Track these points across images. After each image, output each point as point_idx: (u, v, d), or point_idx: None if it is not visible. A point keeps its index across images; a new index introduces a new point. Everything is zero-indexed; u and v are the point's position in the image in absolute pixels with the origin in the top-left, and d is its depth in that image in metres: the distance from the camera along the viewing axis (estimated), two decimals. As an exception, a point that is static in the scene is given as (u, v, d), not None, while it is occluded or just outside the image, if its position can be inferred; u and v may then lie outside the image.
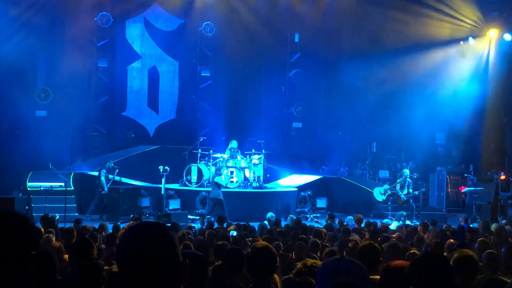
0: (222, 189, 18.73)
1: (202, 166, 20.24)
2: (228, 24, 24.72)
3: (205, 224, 16.41)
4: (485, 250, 7.91)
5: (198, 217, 17.75)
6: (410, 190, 19.58)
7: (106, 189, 18.72)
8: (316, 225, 16.44)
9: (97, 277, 4.93)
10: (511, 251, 7.49)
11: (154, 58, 24.97)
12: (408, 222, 17.38)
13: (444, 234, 11.00)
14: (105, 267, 6.10)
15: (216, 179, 18.72)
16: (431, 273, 3.07)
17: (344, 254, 7.17)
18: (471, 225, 13.99)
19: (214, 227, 12.40)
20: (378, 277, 4.82)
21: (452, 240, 9.49)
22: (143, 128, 24.83)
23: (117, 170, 19.02)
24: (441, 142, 25.97)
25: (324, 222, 15.42)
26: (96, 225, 12.34)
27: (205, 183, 19.99)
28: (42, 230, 9.45)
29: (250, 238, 9.73)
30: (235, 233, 10.65)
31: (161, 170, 18.59)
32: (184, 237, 9.45)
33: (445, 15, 23.83)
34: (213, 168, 20.13)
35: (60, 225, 13.17)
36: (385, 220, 16.69)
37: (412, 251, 7.95)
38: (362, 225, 13.34)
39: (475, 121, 24.35)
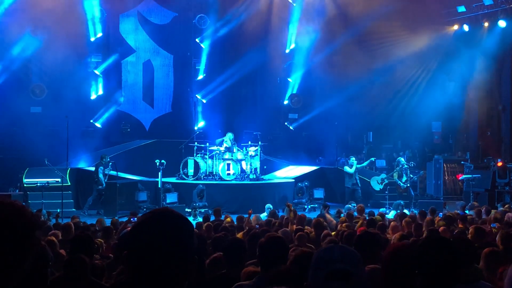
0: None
1: (198, 159, 20.21)
2: (222, 16, 24.63)
3: (198, 217, 16.49)
4: (481, 239, 7.90)
5: (190, 210, 17.81)
6: (409, 175, 19.61)
7: (104, 185, 18.67)
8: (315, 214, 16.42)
9: (82, 270, 4.92)
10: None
11: (148, 52, 24.87)
12: (406, 211, 17.35)
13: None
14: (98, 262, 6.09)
15: (345, 168, 19.99)
16: (436, 256, 3.05)
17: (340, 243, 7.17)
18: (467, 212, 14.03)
19: (211, 219, 12.40)
20: (376, 266, 4.80)
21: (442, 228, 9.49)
22: (138, 122, 24.75)
23: (110, 163, 18.92)
24: (438, 131, 25.93)
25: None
26: (94, 220, 12.33)
27: (201, 176, 19.98)
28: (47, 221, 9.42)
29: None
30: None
31: (158, 164, 18.57)
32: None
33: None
34: (204, 160, 20.15)
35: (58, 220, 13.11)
36: (382, 209, 16.67)
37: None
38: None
39: (471, 108, 24.31)
